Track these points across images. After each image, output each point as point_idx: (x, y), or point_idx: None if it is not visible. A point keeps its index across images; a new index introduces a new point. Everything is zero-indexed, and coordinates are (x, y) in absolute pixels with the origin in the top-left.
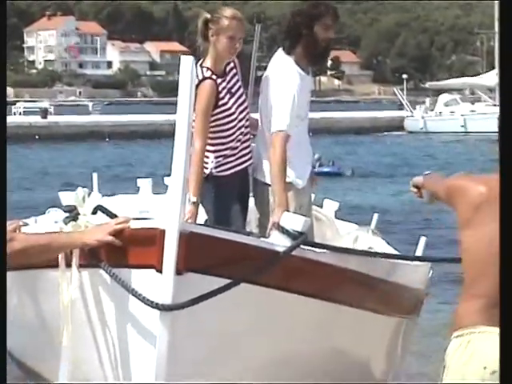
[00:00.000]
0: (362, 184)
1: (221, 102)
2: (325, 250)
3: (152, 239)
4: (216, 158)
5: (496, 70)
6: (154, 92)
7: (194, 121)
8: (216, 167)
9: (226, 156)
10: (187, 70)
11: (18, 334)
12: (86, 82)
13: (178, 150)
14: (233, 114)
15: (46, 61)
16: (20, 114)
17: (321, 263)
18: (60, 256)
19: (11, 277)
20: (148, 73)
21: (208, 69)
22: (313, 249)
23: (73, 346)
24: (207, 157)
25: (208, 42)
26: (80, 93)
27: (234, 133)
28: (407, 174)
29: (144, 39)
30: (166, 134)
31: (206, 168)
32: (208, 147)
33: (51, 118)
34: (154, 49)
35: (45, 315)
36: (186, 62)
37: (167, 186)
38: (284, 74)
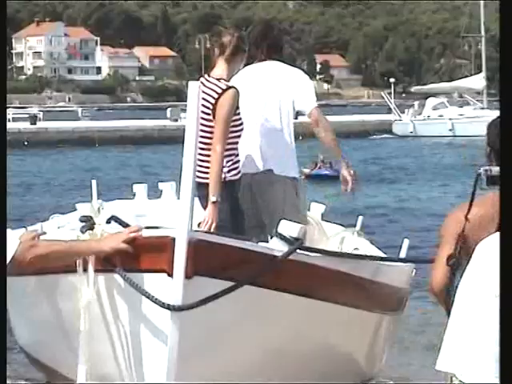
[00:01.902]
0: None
1: (238, 111)
2: (318, 254)
3: (163, 246)
4: (227, 162)
5: (483, 74)
6: (143, 97)
7: (212, 126)
8: (229, 171)
9: (235, 161)
10: (194, 93)
11: (36, 335)
12: (76, 88)
13: (187, 167)
14: (243, 122)
15: (34, 67)
16: (9, 120)
17: (315, 266)
18: (78, 262)
19: (32, 281)
20: (137, 78)
21: (225, 80)
22: (308, 253)
23: (89, 345)
24: None
25: (232, 58)
26: (69, 98)
27: (239, 140)
28: (402, 178)
29: (133, 44)
30: (155, 140)
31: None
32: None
33: (40, 124)
34: (143, 54)
35: (62, 316)
36: (193, 86)
37: (161, 191)
38: (293, 68)
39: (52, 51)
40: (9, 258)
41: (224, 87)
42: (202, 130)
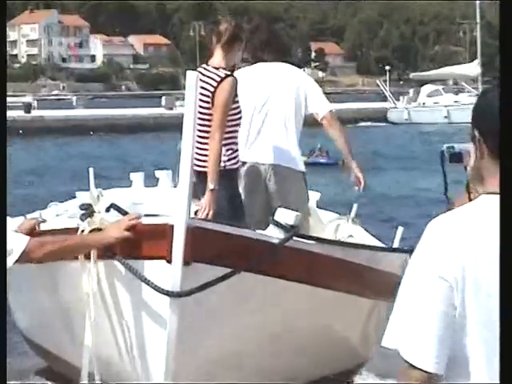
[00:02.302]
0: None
1: (236, 99)
2: (314, 242)
3: (162, 233)
4: (227, 150)
5: (478, 60)
6: (137, 85)
7: (211, 114)
8: (228, 160)
9: (234, 150)
10: (192, 83)
11: (38, 320)
12: (70, 76)
13: (185, 155)
14: (241, 110)
15: (28, 55)
16: None
17: (311, 253)
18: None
19: (33, 268)
20: (132, 66)
21: (223, 69)
22: (303, 240)
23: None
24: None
25: (228, 46)
26: (63, 87)
27: (239, 128)
28: (398, 166)
29: (127, 32)
30: (150, 128)
31: (220, 161)
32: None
33: (35, 113)
34: (137, 42)
35: (65, 302)
36: (191, 76)
37: (158, 179)
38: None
39: (46, 39)
40: (17, 256)
41: (222, 75)
42: (201, 119)
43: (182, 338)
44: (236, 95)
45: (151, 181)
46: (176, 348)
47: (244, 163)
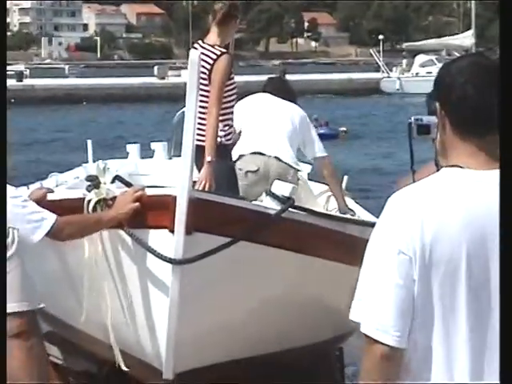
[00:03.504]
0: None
1: (231, 76)
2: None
3: (165, 204)
4: (224, 126)
5: (472, 31)
6: (130, 55)
7: (207, 91)
8: (225, 135)
9: (230, 126)
10: (194, 61)
11: (43, 287)
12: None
13: (187, 131)
14: (236, 87)
15: (21, 23)
16: None
17: (305, 223)
18: None
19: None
20: (124, 35)
21: (218, 46)
22: (299, 211)
23: (96, 297)
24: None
25: (223, 24)
26: (56, 57)
27: (234, 104)
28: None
29: (120, 1)
30: (142, 97)
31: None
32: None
33: (27, 82)
34: (130, 11)
35: (70, 270)
36: (194, 55)
37: (153, 151)
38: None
39: (39, 8)
40: (44, 232)
41: (218, 53)
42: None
43: (184, 304)
44: (231, 72)
45: (146, 152)
46: (178, 313)
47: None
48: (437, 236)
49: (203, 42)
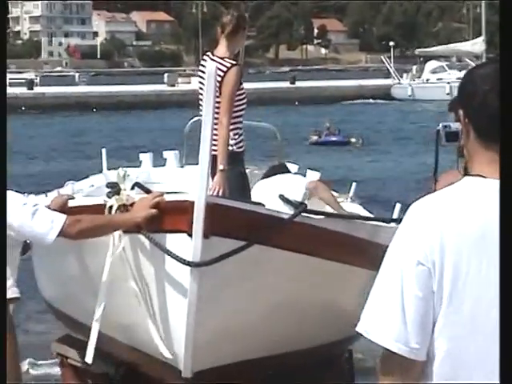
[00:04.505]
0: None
1: (241, 86)
2: (321, 216)
3: (184, 209)
4: (234, 135)
5: (483, 37)
6: (140, 62)
7: (218, 102)
8: (236, 144)
9: (240, 134)
10: (211, 73)
11: (63, 288)
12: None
13: (204, 140)
14: (246, 97)
15: (31, 31)
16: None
17: (317, 227)
18: None
19: (59, 239)
20: (134, 43)
21: (228, 58)
22: (311, 215)
23: (116, 299)
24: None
25: (232, 36)
26: (66, 63)
27: (243, 114)
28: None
29: (130, 9)
30: (152, 105)
31: (228, 145)
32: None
33: (37, 89)
34: (140, 19)
35: (89, 273)
36: (210, 66)
37: (165, 160)
38: None
39: (49, 15)
40: (56, 232)
41: (228, 65)
42: None
43: (201, 305)
44: (241, 83)
45: (155, 158)
46: (195, 314)
47: None
48: (456, 248)
49: (213, 55)
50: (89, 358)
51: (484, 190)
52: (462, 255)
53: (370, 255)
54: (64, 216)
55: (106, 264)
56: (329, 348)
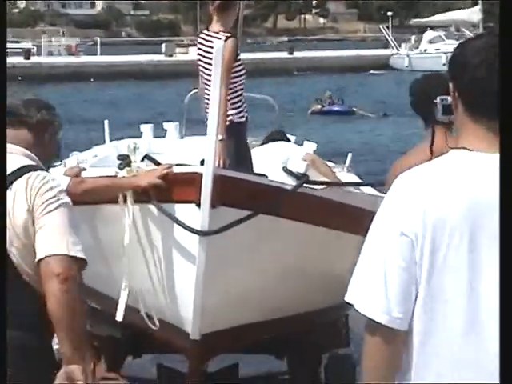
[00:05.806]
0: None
1: (238, 58)
2: (323, 187)
3: (192, 181)
4: (233, 105)
5: (479, 6)
6: (137, 32)
7: None
8: (236, 114)
9: (241, 105)
10: (219, 51)
11: None
12: (69, 22)
13: (212, 114)
14: (244, 68)
15: (27, 0)
16: None
17: (320, 197)
18: (120, 195)
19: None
20: (132, 12)
21: (223, 32)
22: (313, 186)
23: (124, 264)
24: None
25: (223, 10)
26: (63, 33)
27: (243, 85)
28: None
29: None
30: (150, 75)
31: (228, 115)
32: (227, 97)
33: (34, 59)
34: None
35: (103, 242)
36: (218, 45)
37: (166, 131)
38: None
39: None
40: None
41: (224, 38)
42: (208, 80)
43: (209, 271)
44: (238, 54)
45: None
46: (203, 280)
47: None
48: (439, 220)
49: (208, 31)
50: (119, 316)
51: (470, 162)
52: (445, 227)
53: (369, 224)
54: (67, 178)
55: (125, 229)
56: (330, 311)
